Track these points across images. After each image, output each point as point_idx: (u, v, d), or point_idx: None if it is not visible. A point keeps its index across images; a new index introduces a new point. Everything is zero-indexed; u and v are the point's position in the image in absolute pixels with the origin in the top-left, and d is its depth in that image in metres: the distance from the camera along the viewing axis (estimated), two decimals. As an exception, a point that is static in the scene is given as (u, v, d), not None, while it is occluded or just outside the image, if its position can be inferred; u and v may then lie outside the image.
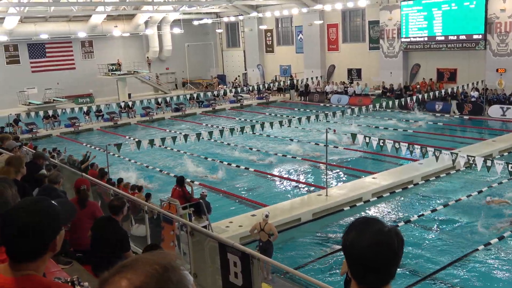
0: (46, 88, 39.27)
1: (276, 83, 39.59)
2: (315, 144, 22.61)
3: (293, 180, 17.98)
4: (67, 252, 6.94)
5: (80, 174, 10.18)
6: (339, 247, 12.28)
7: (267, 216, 11.31)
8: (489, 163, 13.58)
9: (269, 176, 18.62)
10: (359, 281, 1.86)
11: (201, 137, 18.02)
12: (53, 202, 2.18)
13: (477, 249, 11.82)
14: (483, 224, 13.17)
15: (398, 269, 1.88)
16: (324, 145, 16.35)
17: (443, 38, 29.88)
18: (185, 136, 18.10)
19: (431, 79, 31.28)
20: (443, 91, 28.22)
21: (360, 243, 1.82)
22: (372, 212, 14.79)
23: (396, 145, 15.72)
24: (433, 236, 12.87)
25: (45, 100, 37.90)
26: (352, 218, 14.17)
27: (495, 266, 11.22)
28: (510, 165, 13.07)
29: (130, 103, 33.34)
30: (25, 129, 28.47)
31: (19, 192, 3.14)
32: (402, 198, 15.82)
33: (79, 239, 6.94)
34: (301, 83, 37.58)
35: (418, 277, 10.65)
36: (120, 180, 14.57)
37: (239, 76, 45.77)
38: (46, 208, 2.09)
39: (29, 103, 36.77)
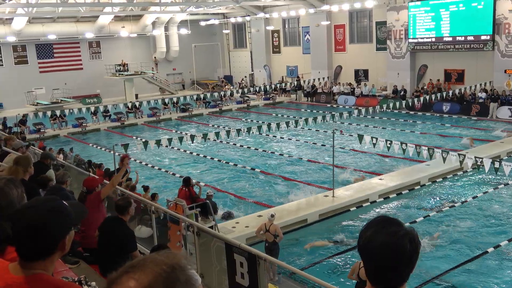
0: (53, 88, 39.47)
1: (283, 84, 39.56)
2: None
3: (300, 181, 17.95)
4: (75, 252, 6.98)
5: (87, 174, 10.24)
6: (345, 248, 12.26)
7: (272, 216, 11.30)
8: (497, 164, 13.50)
9: (275, 176, 18.60)
10: (372, 280, 1.88)
11: (207, 138, 18.04)
12: (63, 202, 2.20)
13: (487, 251, 11.75)
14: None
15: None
16: (331, 146, 16.32)
17: (450, 39, 29.74)
18: (192, 137, 18.12)
19: (438, 80, 31.15)
20: (450, 92, 28.07)
21: (373, 243, 1.84)
22: (379, 213, 14.74)
23: (403, 146, 15.67)
24: (440, 238, 12.80)
25: (53, 100, 38.12)
26: (358, 219, 14.16)
27: (506, 268, 11.14)
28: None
29: (137, 104, 33.45)
30: (33, 129, 28.64)
31: (27, 192, 3.15)
32: (409, 199, 15.76)
33: (88, 237, 6.98)
34: (308, 83, 37.54)
35: (425, 279, 10.59)
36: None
37: (245, 77, 45.79)
38: (56, 207, 2.10)
39: (37, 103, 36.97)
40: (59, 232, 2.07)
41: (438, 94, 26.62)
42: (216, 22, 44.05)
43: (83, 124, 30.16)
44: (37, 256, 2.05)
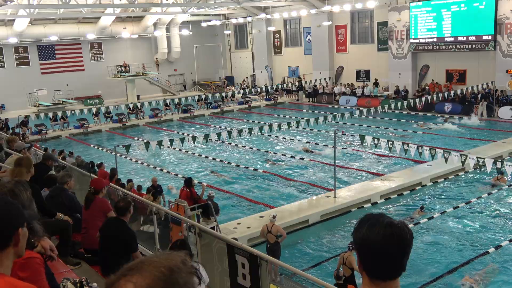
0: (55, 89, 39.54)
1: (284, 85, 39.53)
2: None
3: (302, 182, 17.94)
4: (76, 253, 6.98)
5: (89, 175, 10.24)
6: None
7: (274, 217, 11.31)
8: (499, 164, 13.48)
9: (277, 177, 18.59)
10: (373, 275, 1.88)
11: (209, 139, 18.04)
12: (12, 200, 2.24)
13: (488, 252, 11.73)
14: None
15: (406, 272, 1.89)
16: (333, 147, 16.30)
17: (452, 39, 29.69)
18: (193, 138, 18.13)
19: (438, 81, 31.09)
20: (452, 92, 28.01)
21: (373, 237, 1.85)
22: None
23: (405, 146, 15.64)
24: (443, 238, 12.78)
25: (54, 101, 38.19)
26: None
27: (507, 269, 11.12)
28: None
29: (138, 105, 33.47)
30: (35, 130, 28.69)
31: (29, 193, 3.17)
32: (411, 200, 15.73)
33: (90, 238, 6.99)
34: (309, 84, 37.50)
35: (427, 280, 10.58)
36: (129, 181, 14.63)
37: (247, 77, 45.79)
38: (8, 201, 2.13)
39: (39, 104, 37.05)
40: (12, 222, 2.05)
41: (440, 95, 26.58)
42: (218, 23, 44.04)
43: (85, 125, 30.18)
44: None
